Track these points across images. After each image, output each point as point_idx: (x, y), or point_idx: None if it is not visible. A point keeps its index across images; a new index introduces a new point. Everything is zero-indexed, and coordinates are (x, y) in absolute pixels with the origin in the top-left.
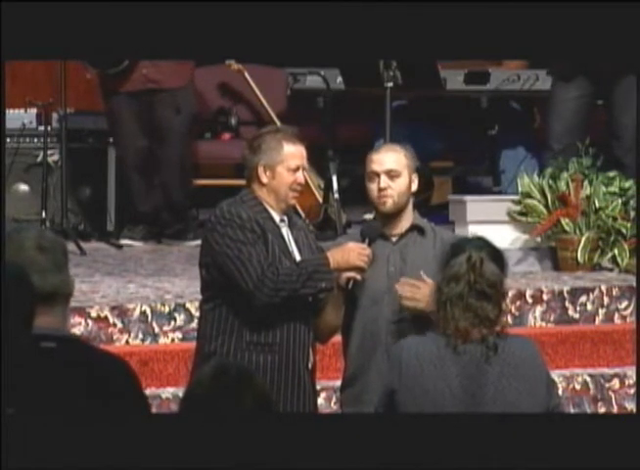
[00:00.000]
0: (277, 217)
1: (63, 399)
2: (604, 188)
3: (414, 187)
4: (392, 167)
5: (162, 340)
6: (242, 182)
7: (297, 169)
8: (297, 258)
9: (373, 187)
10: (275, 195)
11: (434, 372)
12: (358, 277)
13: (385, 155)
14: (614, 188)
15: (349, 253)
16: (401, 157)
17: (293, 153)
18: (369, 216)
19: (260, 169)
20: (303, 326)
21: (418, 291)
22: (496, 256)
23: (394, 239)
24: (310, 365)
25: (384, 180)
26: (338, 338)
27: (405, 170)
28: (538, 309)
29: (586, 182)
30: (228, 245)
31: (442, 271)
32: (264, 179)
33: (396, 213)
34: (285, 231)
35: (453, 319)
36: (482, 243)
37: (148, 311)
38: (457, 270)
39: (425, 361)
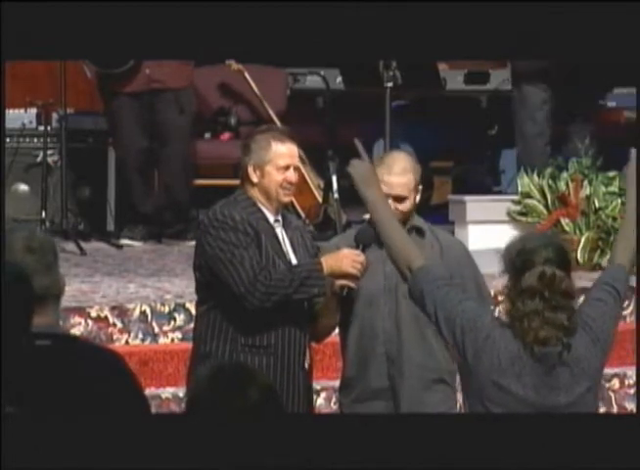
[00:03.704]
0: (271, 217)
1: (59, 397)
2: (604, 188)
3: (418, 199)
4: (402, 193)
5: (162, 340)
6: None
7: (286, 168)
8: (292, 258)
9: None
10: (266, 194)
11: (511, 371)
12: (352, 285)
13: (396, 178)
14: (614, 188)
15: (343, 259)
16: (411, 179)
17: (281, 151)
18: (369, 217)
19: (250, 169)
20: (298, 328)
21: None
22: (563, 259)
23: None
24: (307, 366)
25: (391, 203)
26: (338, 338)
27: (412, 193)
28: None
29: (586, 182)
30: (221, 247)
31: (512, 281)
32: (254, 179)
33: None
34: (279, 231)
35: (532, 330)
36: (552, 252)
37: (148, 311)
38: (530, 286)
39: (504, 359)
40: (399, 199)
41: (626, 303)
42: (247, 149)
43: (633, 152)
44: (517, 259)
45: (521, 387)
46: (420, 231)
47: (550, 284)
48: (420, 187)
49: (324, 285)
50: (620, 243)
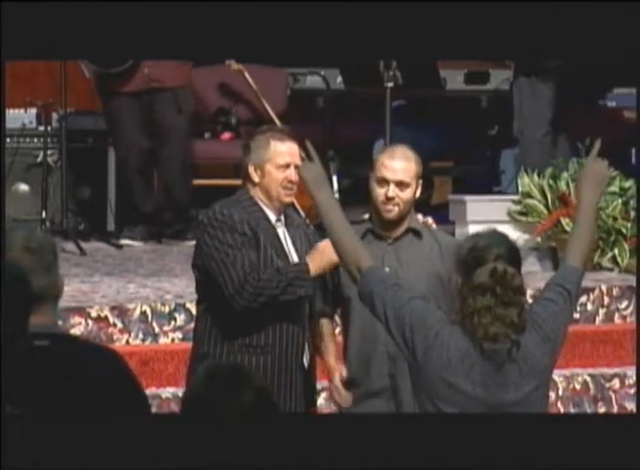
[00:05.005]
0: (273, 217)
1: (59, 397)
2: None
3: (418, 193)
4: (403, 179)
5: (162, 340)
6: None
7: (286, 167)
8: (294, 257)
9: (380, 193)
10: (267, 194)
11: (460, 368)
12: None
13: (398, 163)
14: (614, 188)
15: (324, 252)
16: (412, 166)
17: (281, 150)
18: (367, 216)
19: (251, 169)
20: (296, 327)
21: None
22: (514, 256)
23: (390, 240)
24: (306, 364)
25: (392, 189)
26: (338, 338)
27: (414, 181)
28: None
29: None
30: (216, 247)
31: (464, 278)
32: (255, 178)
33: (398, 221)
34: (281, 231)
35: (482, 326)
36: (503, 249)
37: (148, 311)
38: (482, 282)
39: (454, 356)
40: (401, 185)
41: (626, 303)
42: (247, 149)
43: (590, 159)
44: (468, 257)
45: (469, 384)
46: (417, 233)
47: (502, 280)
48: (420, 182)
49: (311, 286)
50: (573, 244)
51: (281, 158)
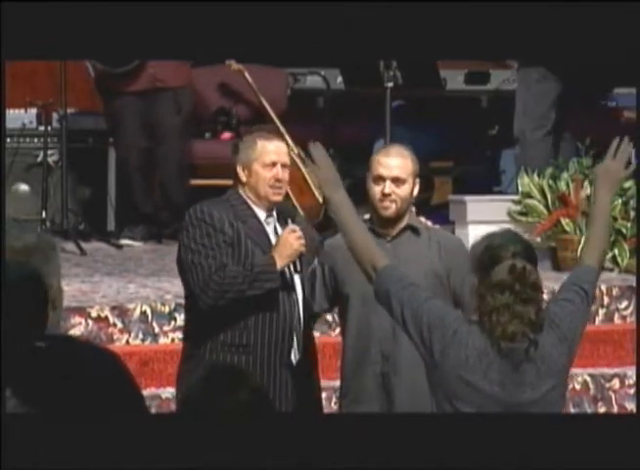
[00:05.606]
0: (262, 216)
1: (57, 398)
2: None
3: (416, 191)
4: (399, 175)
5: (162, 340)
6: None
7: (273, 165)
8: None
9: (377, 190)
10: (255, 193)
11: (478, 367)
12: None
13: (393, 160)
14: None
15: (287, 241)
16: (408, 163)
17: (268, 149)
18: (367, 216)
19: (239, 169)
20: (282, 325)
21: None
22: (530, 254)
23: (388, 238)
24: (295, 362)
25: (389, 186)
26: (338, 338)
27: (410, 177)
28: None
29: (586, 182)
30: (190, 247)
31: (480, 277)
32: (243, 178)
33: (396, 218)
34: (271, 229)
35: (501, 324)
36: (519, 247)
37: (148, 311)
38: (501, 279)
39: (472, 355)
40: (398, 181)
41: (626, 303)
42: (235, 149)
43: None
44: (484, 256)
45: (487, 383)
46: (415, 230)
47: (521, 277)
48: (418, 180)
49: (278, 279)
50: (589, 244)
51: (267, 156)
